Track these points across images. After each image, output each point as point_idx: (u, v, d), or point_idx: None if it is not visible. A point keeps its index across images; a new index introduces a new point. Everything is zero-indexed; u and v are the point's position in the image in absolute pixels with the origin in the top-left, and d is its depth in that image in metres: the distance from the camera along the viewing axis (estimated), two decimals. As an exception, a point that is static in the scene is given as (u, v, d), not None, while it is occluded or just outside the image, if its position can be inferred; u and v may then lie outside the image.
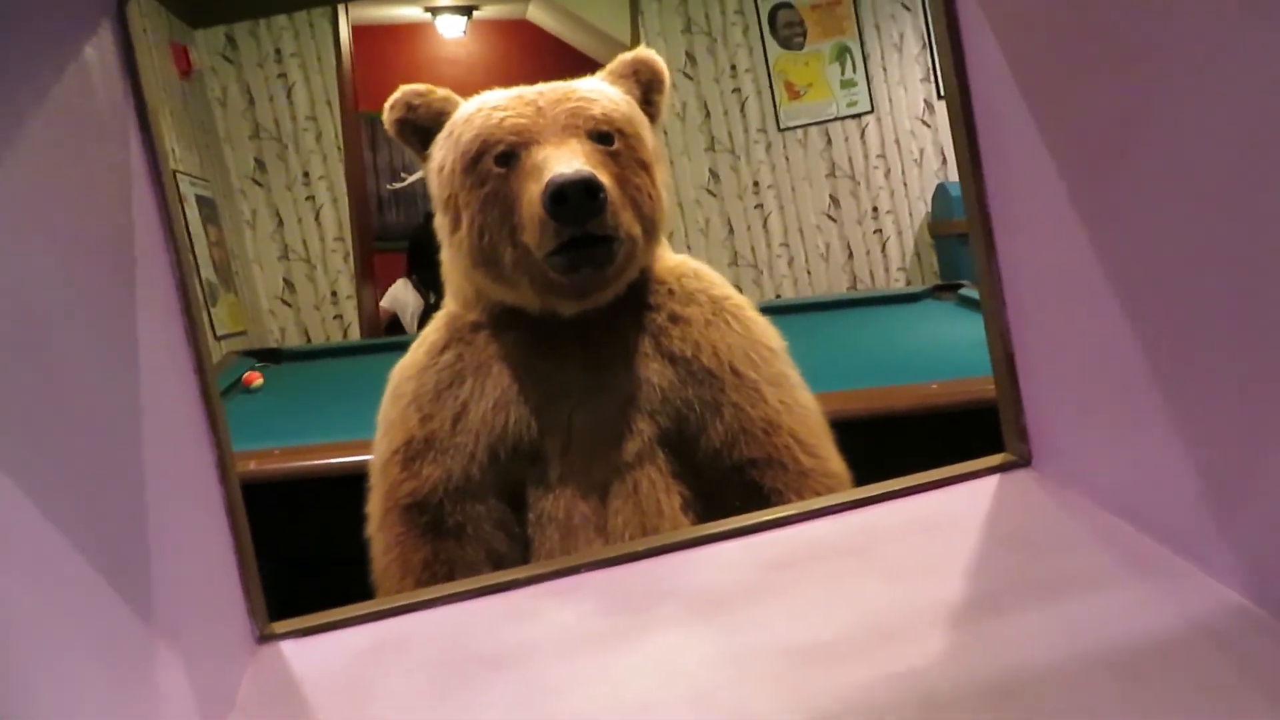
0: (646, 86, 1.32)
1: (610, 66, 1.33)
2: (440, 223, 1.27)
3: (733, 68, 5.44)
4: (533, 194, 1.11)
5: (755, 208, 5.52)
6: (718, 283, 1.35)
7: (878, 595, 0.70)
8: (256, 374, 2.90)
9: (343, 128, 5.15)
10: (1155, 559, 0.66)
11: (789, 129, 5.51)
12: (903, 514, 0.81)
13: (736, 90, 5.45)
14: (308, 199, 5.14)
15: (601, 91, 1.23)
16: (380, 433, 1.30)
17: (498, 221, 1.17)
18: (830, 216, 5.60)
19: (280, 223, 5.11)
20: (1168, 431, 0.65)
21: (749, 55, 5.42)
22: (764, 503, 1.22)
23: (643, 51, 1.33)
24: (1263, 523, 0.59)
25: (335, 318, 5.20)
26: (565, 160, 1.09)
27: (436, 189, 1.26)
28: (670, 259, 1.35)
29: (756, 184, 5.50)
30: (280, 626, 0.76)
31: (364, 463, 1.94)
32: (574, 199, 1.06)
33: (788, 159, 5.52)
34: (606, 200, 1.09)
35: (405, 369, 1.31)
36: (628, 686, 0.62)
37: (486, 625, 0.73)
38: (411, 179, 6.45)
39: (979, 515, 0.78)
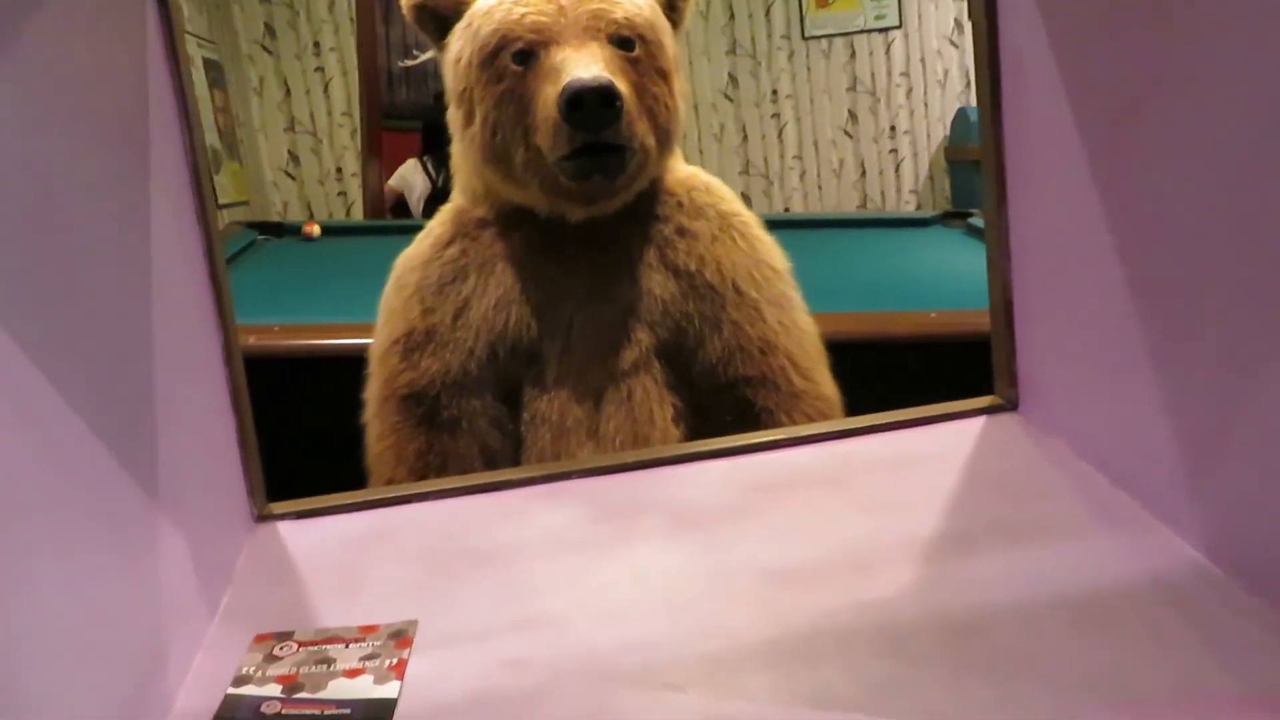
0: (672, -5, 1.29)
1: (636, -32, 1.29)
2: (453, 115, 1.26)
3: (762, -32, 5.28)
4: (548, 96, 1.10)
5: (772, 117, 5.43)
6: (727, 198, 1.34)
7: (854, 525, 0.72)
8: (314, 224, 2.97)
9: (357, -2, 5.01)
10: (1126, 512, 0.69)
11: (813, 38, 5.38)
12: (887, 448, 0.83)
13: (764, -8, 5.30)
14: (317, 70, 5.04)
15: (629, -4, 1.20)
16: (381, 321, 1.31)
17: (511, 120, 1.15)
18: (847, 132, 5.51)
19: (288, 92, 5.02)
20: (1151, 392, 0.67)
21: (779, -43, 5.26)
22: (755, 420, 1.24)
23: (672, -45, 1.30)
24: (1230, 488, 0.61)
25: (339, 194, 5.15)
26: (584, 64, 1.08)
27: (451, 81, 1.24)
28: (682, 170, 1.34)
29: (775, 93, 5.40)
30: (278, 507, 0.79)
31: (362, 346, 1.95)
32: (590, 105, 1.05)
33: (809, 69, 5.40)
34: (623, 109, 1.08)
35: (410, 260, 1.31)
36: (608, 591, 0.65)
37: (476, 522, 0.76)
38: (424, 57, 6.27)
39: (961, 455, 0.80)
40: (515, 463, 1.24)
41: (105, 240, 0.59)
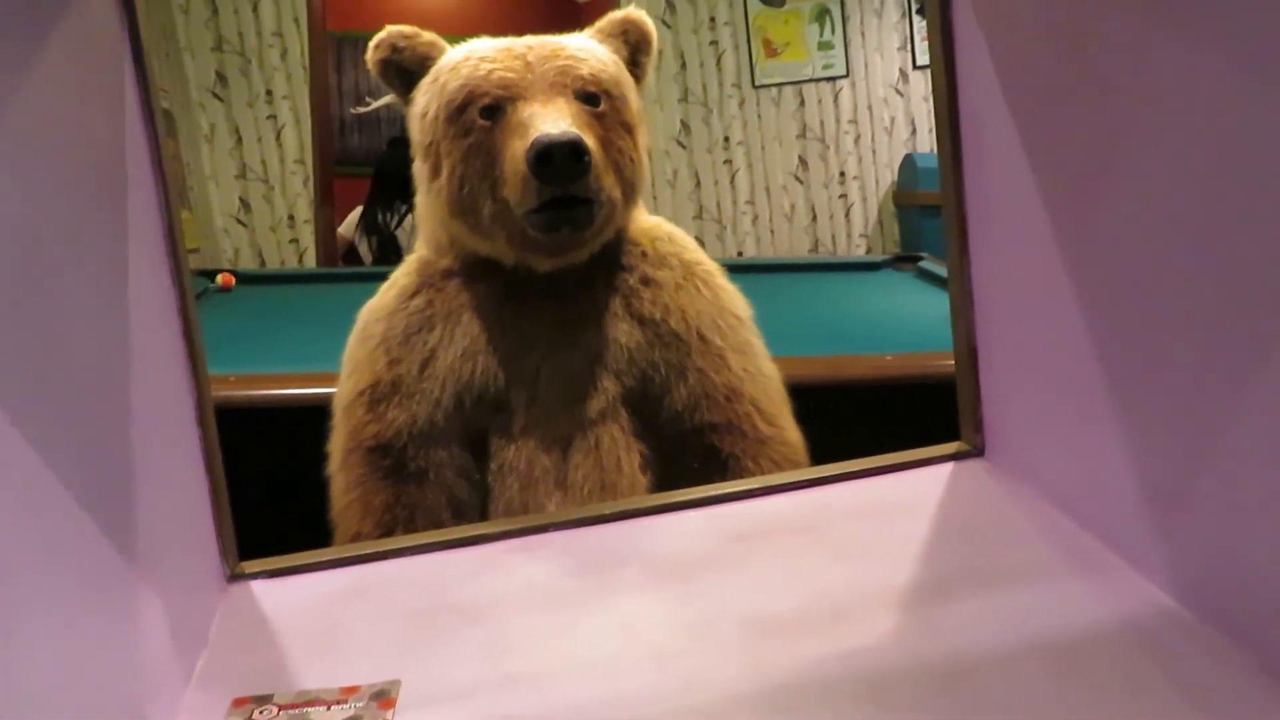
0: (634, 47, 1.32)
1: (599, 25, 1.32)
2: (420, 169, 1.27)
3: (712, 20, 5.39)
4: (516, 150, 1.11)
5: (724, 163, 5.52)
6: (690, 247, 1.36)
7: (832, 573, 0.73)
8: (229, 275, 2.93)
9: (309, 46, 5.01)
10: (1094, 556, 0.71)
11: (763, 86, 5.49)
12: (859, 495, 0.84)
13: (714, 43, 5.41)
14: (269, 118, 5.02)
15: (590, 51, 1.22)
16: (346, 373, 1.30)
17: (479, 173, 1.17)
18: (798, 178, 5.62)
19: (239, 140, 4.99)
20: (1115, 436, 0.69)
21: (729, 8, 5.38)
22: (722, 467, 1.25)
23: (633, 12, 1.33)
24: (1195, 531, 0.63)
25: (291, 241, 5.11)
26: (552, 119, 1.10)
27: (418, 134, 1.25)
28: (645, 220, 1.36)
29: (727, 139, 5.49)
30: (250, 566, 0.78)
31: (319, 395, 1.94)
32: (559, 160, 1.07)
33: (760, 117, 5.51)
34: (591, 163, 1.09)
35: (374, 311, 1.31)
36: (592, 647, 0.65)
37: (455, 577, 0.75)
38: (377, 104, 6.30)
39: (931, 501, 0.82)
40: (483, 513, 1.24)
41: (84, 301, 0.59)
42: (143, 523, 0.61)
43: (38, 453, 0.49)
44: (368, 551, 0.79)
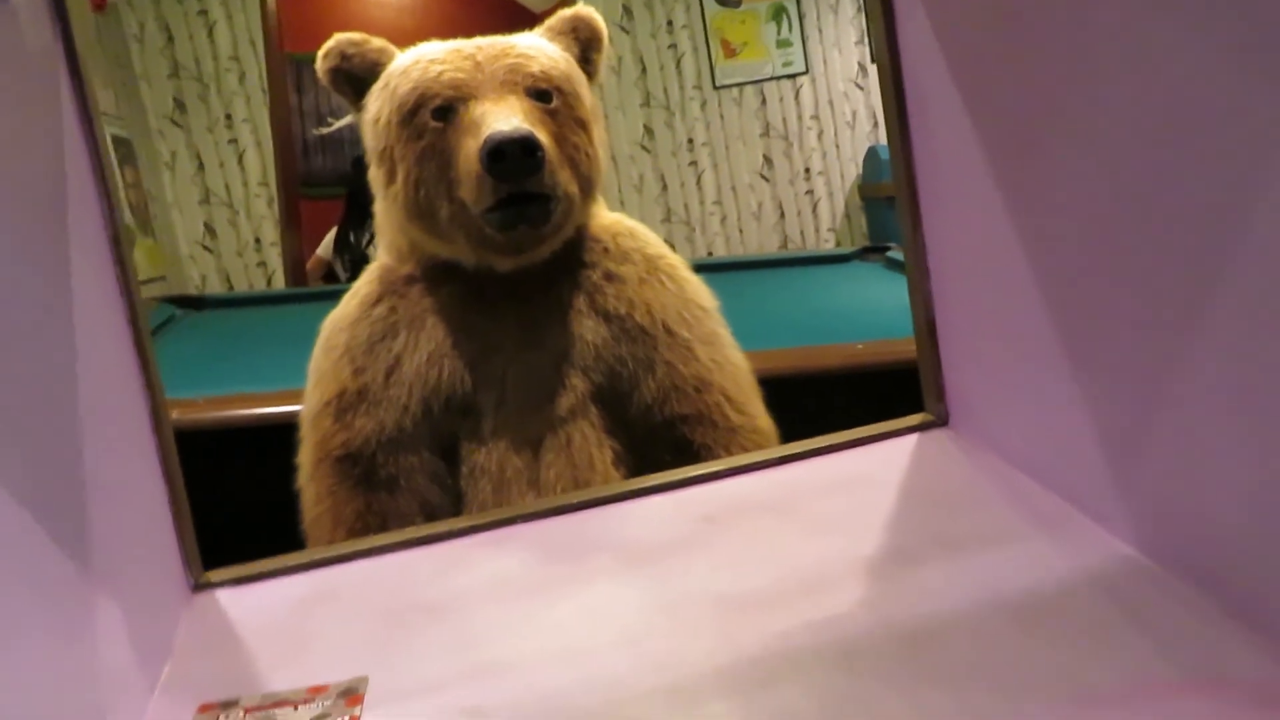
0: (585, 45, 1.32)
1: (549, 23, 1.32)
2: (375, 175, 1.26)
3: (669, 23, 5.41)
4: (470, 150, 1.11)
5: (689, 165, 5.54)
6: (652, 241, 1.36)
7: (801, 548, 0.73)
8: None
9: (268, 69, 4.99)
10: (1058, 514, 0.71)
11: (724, 87, 5.52)
12: (826, 471, 0.85)
13: (673, 46, 5.43)
14: (230, 142, 4.99)
15: (540, 49, 1.22)
16: (311, 384, 1.29)
17: (434, 176, 1.16)
18: (763, 176, 5.64)
19: (201, 166, 4.95)
20: (1072, 395, 0.69)
21: (686, 11, 5.40)
22: (694, 458, 1.25)
23: (582, 9, 1.33)
24: (1153, 482, 0.63)
25: (259, 264, 5.08)
26: (503, 117, 1.09)
27: (371, 140, 1.24)
28: (606, 217, 1.35)
29: (691, 141, 5.51)
30: (215, 575, 0.77)
31: (292, 414, 1.91)
32: (512, 156, 1.06)
33: (723, 117, 5.53)
34: (544, 158, 1.09)
35: (337, 321, 1.30)
36: (563, 633, 0.65)
37: (422, 575, 0.75)
38: (340, 123, 6.27)
39: (898, 472, 0.82)
40: (456, 517, 1.23)
41: (28, 315, 0.58)
42: (98, 534, 0.60)
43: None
44: (334, 554, 0.78)
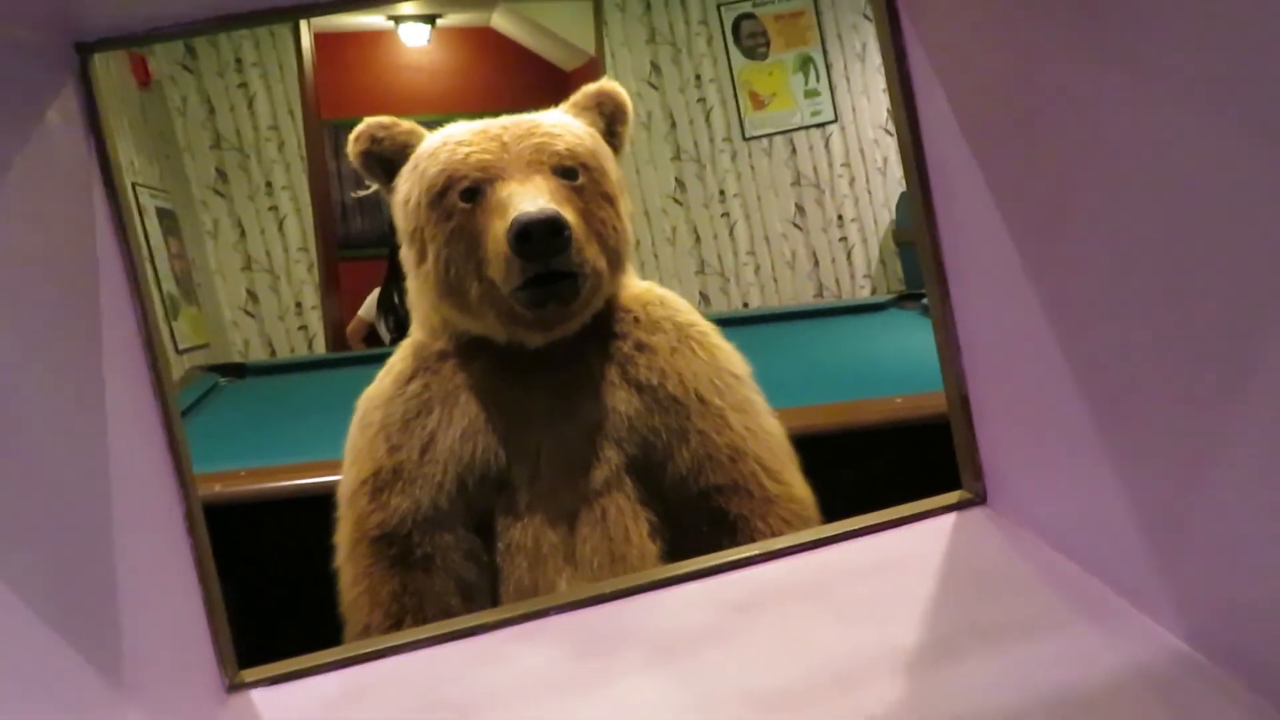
0: (610, 118, 1.34)
1: (574, 98, 1.34)
2: (406, 254, 1.28)
3: (697, 77, 5.47)
4: (498, 230, 1.12)
5: (721, 216, 5.56)
6: (683, 309, 1.37)
7: (835, 639, 0.72)
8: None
9: (306, 136, 5.11)
10: (1100, 601, 0.69)
11: (754, 138, 5.55)
12: (861, 553, 0.83)
13: (701, 100, 5.49)
14: (270, 209, 5.11)
15: (565, 126, 1.24)
16: (348, 462, 1.30)
17: (463, 255, 1.18)
18: (796, 225, 5.65)
19: (243, 233, 5.07)
20: (1108, 477, 0.68)
21: (713, 65, 5.46)
22: (731, 528, 1.24)
23: (606, 83, 1.35)
24: (1193, 568, 0.62)
25: (300, 328, 5.16)
26: (530, 198, 1.11)
27: (402, 221, 1.27)
28: (636, 286, 1.36)
29: (723, 193, 5.54)
30: (249, 675, 0.77)
31: (329, 484, 1.93)
32: (539, 237, 1.08)
33: (753, 168, 5.56)
34: (571, 237, 1.10)
35: (372, 398, 1.31)
36: (594, 736, 0.64)
37: (454, 671, 0.74)
38: (375, 187, 6.42)
39: (935, 555, 0.80)
40: (493, 594, 1.23)
41: (61, 424, 0.59)
42: (130, 644, 0.60)
43: (8, 579, 0.49)
44: (364, 651, 0.78)
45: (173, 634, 0.69)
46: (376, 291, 4.67)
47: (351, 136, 1.30)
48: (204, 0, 0.65)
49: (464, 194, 1.17)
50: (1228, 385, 0.56)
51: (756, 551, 0.85)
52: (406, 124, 1.30)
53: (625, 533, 1.21)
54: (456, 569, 1.22)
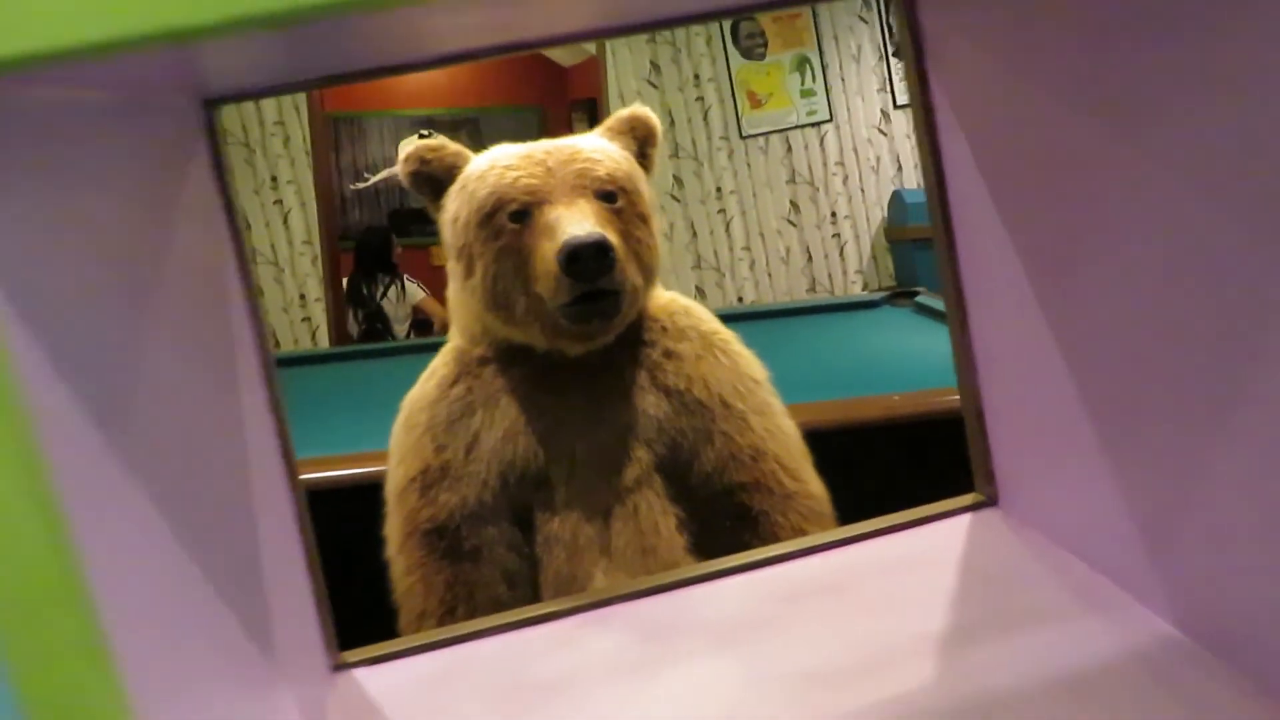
0: (642, 141, 1.43)
1: (608, 123, 1.44)
2: (454, 268, 1.37)
3: (696, 77, 5.56)
4: (546, 251, 1.21)
5: (718, 212, 5.66)
6: (706, 319, 1.47)
7: (869, 626, 0.82)
8: None
9: (310, 131, 5.18)
10: (1104, 594, 0.79)
11: (750, 136, 5.65)
12: (884, 551, 0.94)
13: (700, 99, 5.58)
14: (275, 203, 5.17)
15: (605, 151, 1.33)
16: (394, 461, 1.39)
17: (511, 272, 1.27)
18: (790, 221, 5.76)
19: (248, 226, 5.14)
20: (1111, 483, 0.78)
21: (712, 65, 5.55)
22: (753, 523, 1.34)
23: (638, 109, 1.44)
24: (1189, 564, 0.72)
25: (303, 320, 5.24)
26: (577, 221, 1.20)
27: (450, 237, 1.35)
28: (662, 296, 1.46)
29: (719, 190, 5.64)
30: (350, 655, 0.87)
31: (351, 477, 2.03)
32: (587, 259, 1.17)
33: (749, 166, 5.66)
34: (615, 259, 1.20)
35: (417, 400, 1.40)
36: (670, 709, 0.74)
37: (535, 654, 0.84)
38: (374, 179, 6.49)
39: (954, 552, 0.91)
40: (533, 583, 1.33)
41: (214, 417, 0.68)
42: (274, 618, 0.70)
43: (198, 563, 0.58)
44: (453, 635, 0.88)
45: (293, 614, 0.79)
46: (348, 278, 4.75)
47: (401, 157, 1.39)
48: (317, 64, 0.74)
49: (513, 215, 1.26)
50: (1218, 402, 0.66)
51: (792, 549, 0.95)
52: (454, 146, 1.39)
53: (655, 526, 1.32)
54: (502, 560, 1.32)
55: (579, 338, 1.29)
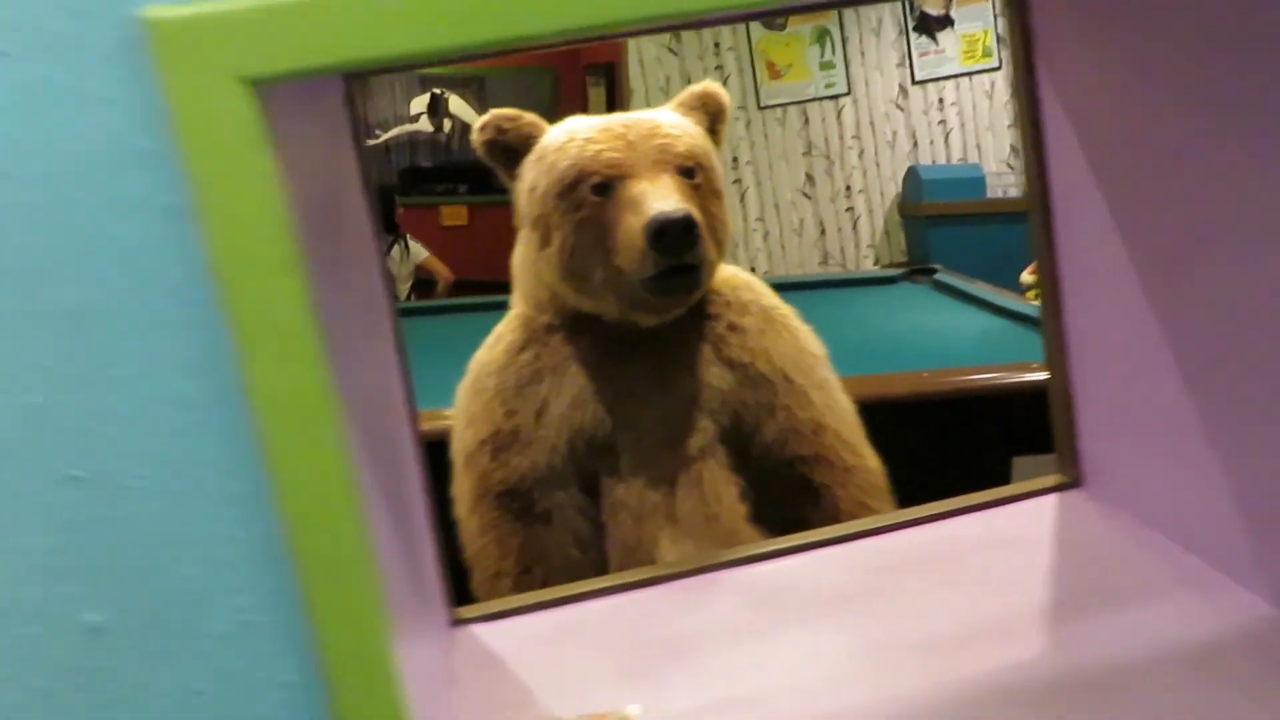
0: (713, 117, 1.44)
1: (680, 98, 1.45)
2: (527, 236, 1.38)
3: (716, 45, 5.54)
4: (631, 225, 1.23)
5: (734, 182, 5.66)
6: (766, 294, 1.49)
7: (972, 599, 0.86)
8: None
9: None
10: (1201, 574, 0.83)
11: (768, 107, 5.64)
12: (977, 527, 0.97)
13: (719, 68, 5.56)
14: (291, 159, 5.15)
15: (683, 127, 1.35)
16: (463, 424, 1.42)
17: (590, 244, 1.29)
18: (805, 194, 5.76)
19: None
20: (1212, 470, 0.81)
21: (732, 34, 5.52)
22: (814, 495, 1.38)
23: (711, 85, 1.46)
24: (1288, 549, 0.76)
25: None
26: (663, 197, 1.22)
27: (526, 207, 1.37)
28: (724, 270, 1.48)
29: (735, 160, 5.63)
30: (465, 612, 0.90)
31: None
32: (674, 234, 1.19)
33: (766, 136, 5.66)
34: (699, 235, 1.22)
35: (485, 365, 1.42)
36: (788, 672, 0.78)
37: (650, 615, 0.88)
38: (386, 136, 6.46)
39: (1045, 530, 0.94)
40: (600, 548, 1.36)
41: (376, 364, 0.71)
42: (425, 570, 0.73)
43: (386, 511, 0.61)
44: (567, 594, 0.91)
45: (422, 570, 0.82)
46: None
47: (476, 126, 1.41)
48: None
49: (595, 188, 1.28)
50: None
51: (885, 522, 0.99)
52: (529, 116, 1.40)
53: (718, 494, 1.35)
54: (572, 523, 1.35)
55: (658, 310, 1.31)
